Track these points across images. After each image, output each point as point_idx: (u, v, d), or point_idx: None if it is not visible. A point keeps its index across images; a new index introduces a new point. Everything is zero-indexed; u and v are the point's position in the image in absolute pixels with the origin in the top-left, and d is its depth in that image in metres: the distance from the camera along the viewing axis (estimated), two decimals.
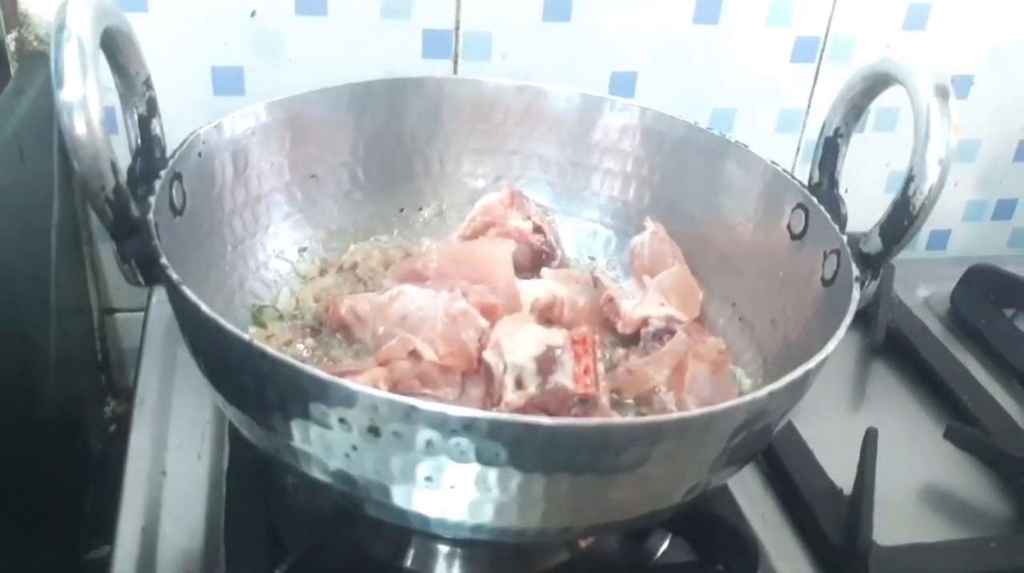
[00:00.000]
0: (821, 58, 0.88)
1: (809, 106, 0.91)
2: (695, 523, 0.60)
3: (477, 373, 0.58)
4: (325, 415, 0.43)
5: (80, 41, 0.45)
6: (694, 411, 0.45)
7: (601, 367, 0.57)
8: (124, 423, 0.73)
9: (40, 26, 0.74)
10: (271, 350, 0.43)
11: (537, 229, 0.72)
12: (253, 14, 0.76)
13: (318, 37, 0.78)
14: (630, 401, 0.62)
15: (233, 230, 0.64)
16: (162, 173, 0.54)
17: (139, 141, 0.56)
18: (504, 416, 0.43)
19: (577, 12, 0.81)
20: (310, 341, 0.64)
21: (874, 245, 0.56)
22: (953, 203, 1.01)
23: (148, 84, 0.56)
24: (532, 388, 0.54)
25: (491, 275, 0.64)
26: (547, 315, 0.65)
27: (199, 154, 0.60)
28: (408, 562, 0.58)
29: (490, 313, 0.60)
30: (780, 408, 0.49)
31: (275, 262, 0.68)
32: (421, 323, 0.59)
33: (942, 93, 0.52)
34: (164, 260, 0.48)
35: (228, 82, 0.78)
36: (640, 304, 0.66)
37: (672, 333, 0.64)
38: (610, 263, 0.75)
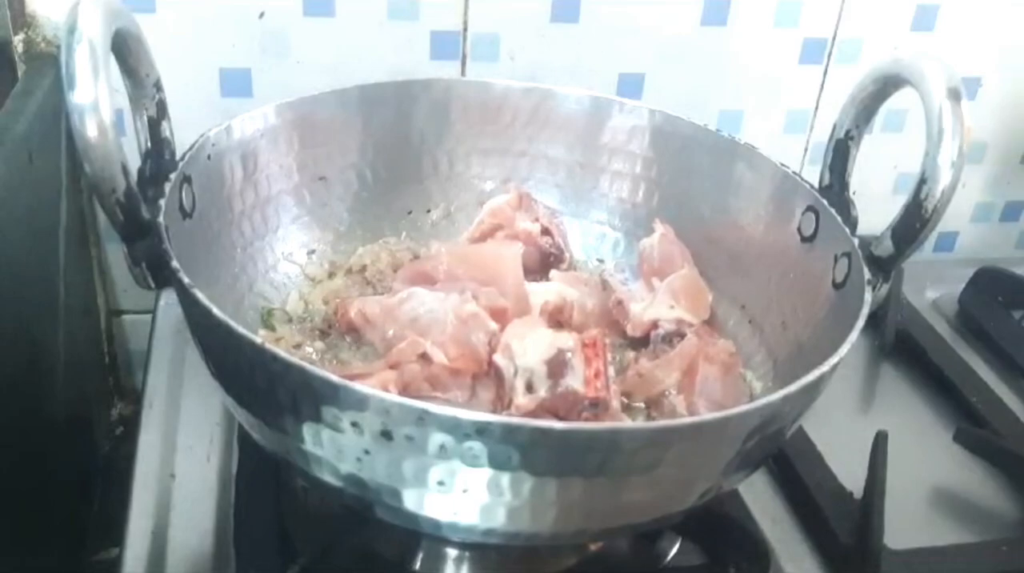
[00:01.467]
0: (829, 59, 0.88)
1: (817, 107, 0.91)
2: (705, 526, 0.59)
3: (487, 376, 0.57)
4: (337, 419, 0.43)
5: (91, 43, 0.45)
6: (708, 415, 0.45)
7: (611, 370, 0.56)
8: (131, 425, 0.73)
9: (48, 27, 0.74)
10: (283, 353, 0.43)
11: (545, 231, 0.71)
12: (261, 15, 0.76)
13: (326, 38, 0.78)
14: (640, 404, 0.62)
15: (242, 232, 0.64)
16: (172, 175, 0.54)
17: (148, 143, 0.56)
18: (517, 420, 0.42)
19: (585, 13, 0.81)
20: (319, 344, 0.64)
21: (885, 248, 0.56)
22: (961, 205, 1.00)
23: (158, 86, 0.55)
24: (543, 391, 0.54)
25: (500, 277, 0.64)
26: (556, 318, 0.65)
27: (208, 156, 0.60)
28: (417, 565, 0.58)
29: (500, 316, 0.59)
30: (793, 411, 0.49)
31: (284, 264, 0.68)
32: (431, 326, 0.59)
33: (954, 95, 0.52)
34: (175, 263, 0.48)
35: (235, 83, 0.78)
36: (649, 306, 0.66)
37: (682, 336, 0.64)
38: (618, 265, 0.75)
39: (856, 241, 0.58)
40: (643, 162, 0.74)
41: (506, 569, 0.60)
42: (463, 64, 0.82)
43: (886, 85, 0.59)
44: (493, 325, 0.58)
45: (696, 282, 0.68)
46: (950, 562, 0.62)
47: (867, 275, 0.55)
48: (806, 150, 0.93)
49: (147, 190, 0.53)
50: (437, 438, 0.42)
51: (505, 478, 0.43)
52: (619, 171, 0.75)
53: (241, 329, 0.44)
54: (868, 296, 0.53)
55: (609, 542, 0.61)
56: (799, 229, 0.64)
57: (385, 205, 0.73)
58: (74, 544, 0.76)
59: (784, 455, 0.66)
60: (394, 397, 0.42)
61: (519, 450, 0.42)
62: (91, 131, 0.44)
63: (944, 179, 0.52)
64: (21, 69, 0.75)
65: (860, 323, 0.51)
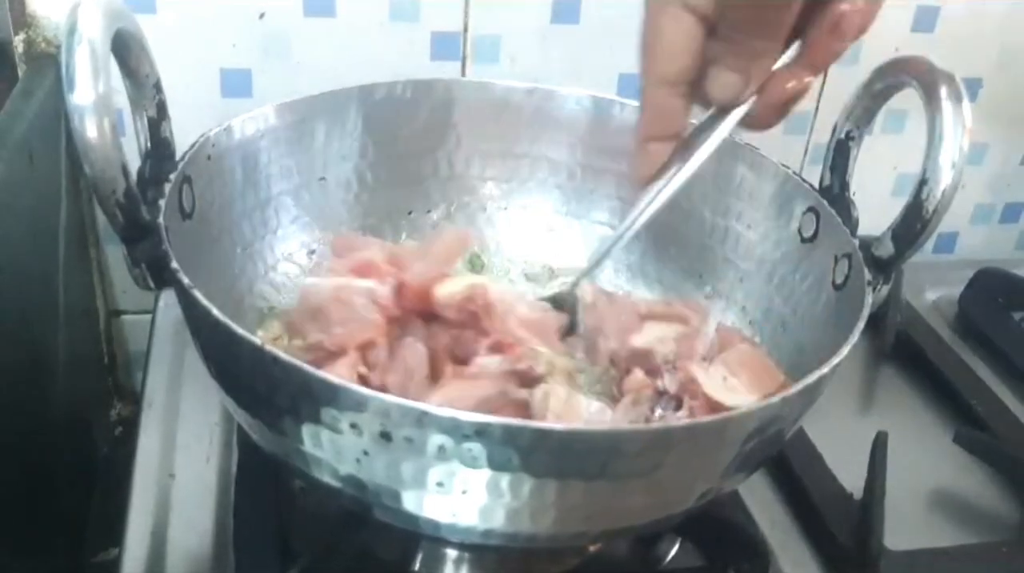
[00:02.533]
0: None
1: (817, 108, 0.91)
2: (705, 527, 0.59)
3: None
4: (336, 420, 0.43)
5: (92, 44, 0.44)
6: (707, 418, 0.45)
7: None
8: (130, 426, 0.73)
9: (48, 28, 0.74)
10: (283, 354, 0.43)
11: None
12: (262, 16, 0.76)
13: (326, 39, 0.78)
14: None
15: (242, 233, 0.64)
16: (172, 176, 0.54)
17: (148, 144, 0.56)
18: (517, 422, 0.42)
19: (585, 14, 0.81)
20: None
21: (886, 249, 0.56)
22: (960, 206, 1.00)
23: (158, 87, 0.55)
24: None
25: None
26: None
27: (208, 157, 0.60)
28: (416, 566, 0.58)
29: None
30: (793, 413, 0.49)
31: (284, 265, 0.68)
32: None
33: (955, 96, 0.52)
34: (175, 264, 0.47)
35: (236, 84, 0.78)
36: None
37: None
38: (617, 268, 0.75)
39: (856, 242, 0.58)
40: None
41: (505, 570, 0.60)
42: (463, 65, 0.82)
43: (887, 86, 0.59)
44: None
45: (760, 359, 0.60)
46: (949, 563, 0.62)
47: (867, 276, 0.55)
48: (806, 151, 0.93)
49: (147, 191, 0.52)
50: (436, 439, 0.42)
51: (504, 479, 0.43)
52: (621, 172, 0.74)
53: (241, 330, 0.44)
54: (868, 297, 0.53)
55: (608, 543, 0.61)
56: (799, 230, 0.64)
57: (385, 206, 0.73)
58: (73, 545, 0.76)
59: (784, 456, 0.66)
60: (393, 398, 0.42)
61: (519, 452, 0.41)
62: (91, 132, 0.44)
63: (944, 180, 0.52)
64: (21, 69, 0.75)
65: (860, 324, 0.51)
